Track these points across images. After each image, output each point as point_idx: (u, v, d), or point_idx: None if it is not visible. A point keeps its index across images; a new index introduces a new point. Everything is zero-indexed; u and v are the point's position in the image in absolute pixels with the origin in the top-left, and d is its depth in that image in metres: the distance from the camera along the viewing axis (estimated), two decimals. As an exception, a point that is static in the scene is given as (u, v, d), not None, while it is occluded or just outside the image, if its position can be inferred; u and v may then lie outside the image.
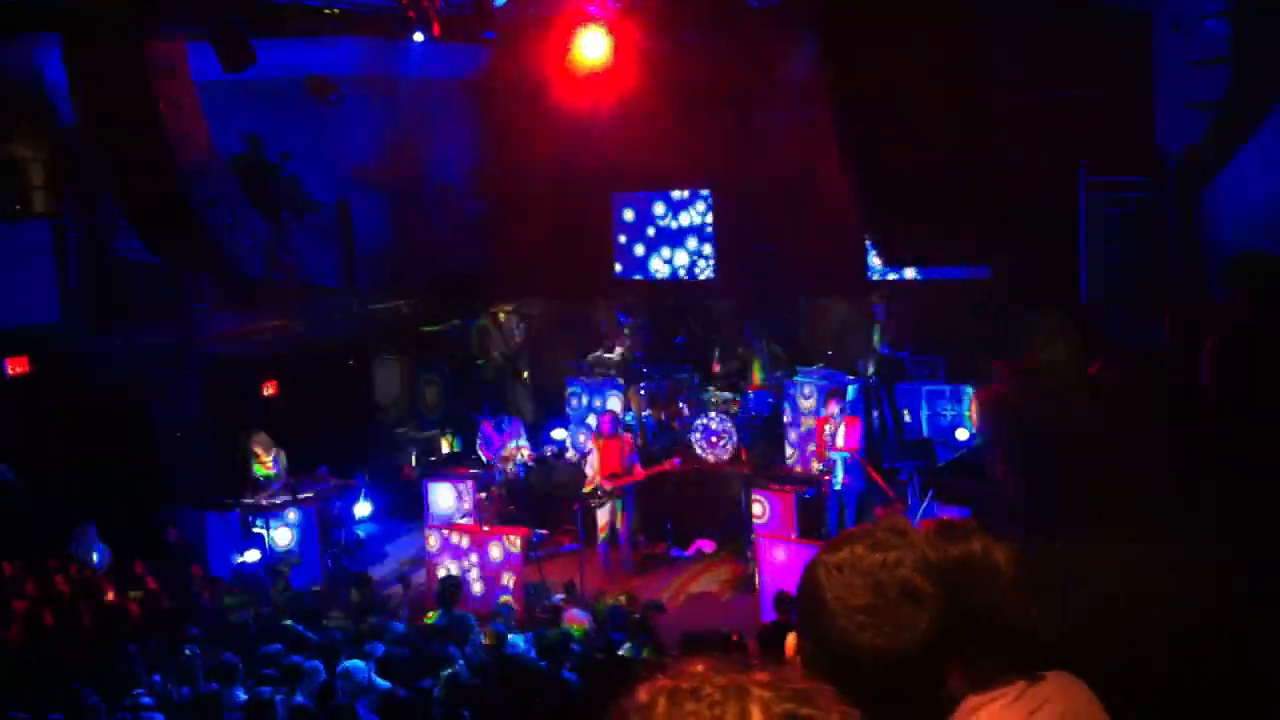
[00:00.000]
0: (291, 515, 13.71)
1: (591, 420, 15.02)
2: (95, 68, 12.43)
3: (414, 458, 16.41)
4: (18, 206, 14.00)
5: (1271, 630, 3.23)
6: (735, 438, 14.57)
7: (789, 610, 9.67)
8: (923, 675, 1.93)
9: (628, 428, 14.30)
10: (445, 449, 16.61)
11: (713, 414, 14.71)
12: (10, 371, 13.47)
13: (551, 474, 14.92)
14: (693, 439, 14.79)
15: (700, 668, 1.61)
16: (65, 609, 10.15)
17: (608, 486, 13.35)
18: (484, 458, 14.31)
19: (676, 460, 13.98)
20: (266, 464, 13.94)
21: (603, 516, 13.48)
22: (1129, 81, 11.53)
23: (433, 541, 13.18)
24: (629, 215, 18.91)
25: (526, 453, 14.49)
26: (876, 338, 15.85)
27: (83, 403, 13.58)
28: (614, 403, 15.24)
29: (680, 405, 15.52)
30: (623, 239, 18.95)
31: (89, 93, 12.63)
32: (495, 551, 12.64)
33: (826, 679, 1.91)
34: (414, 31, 15.46)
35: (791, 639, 2.02)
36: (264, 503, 13.71)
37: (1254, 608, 3.26)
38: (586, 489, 13.56)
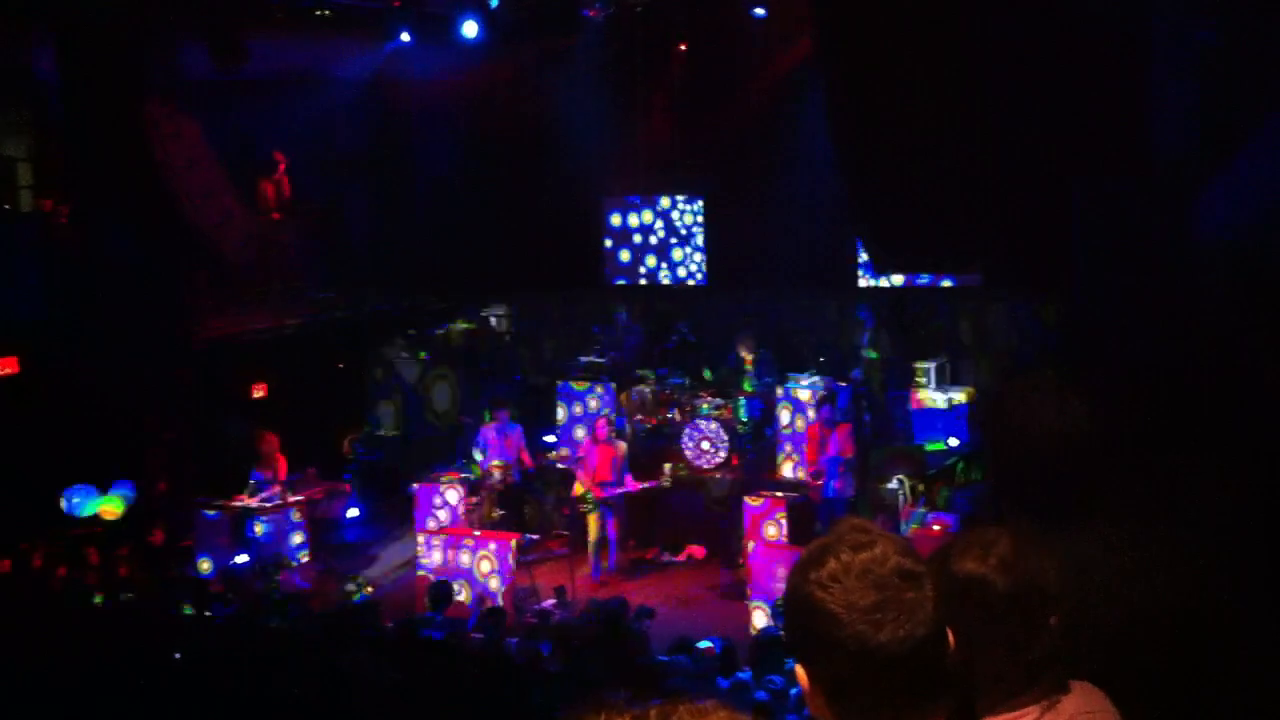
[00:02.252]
0: (282, 517, 13.65)
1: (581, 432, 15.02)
2: (86, 66, 12.40)
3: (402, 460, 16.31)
4: (5, 205, 13.91)
5: (1271, 630, 3.21)
6: (726, 444, 14.50)
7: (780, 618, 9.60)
8: (939, 650, 1.99)
9: (620, 434, 14.23)
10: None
11: (703, 420, 14.64)
12: (-2, 371, 13.38)
13: (547, 481, 14.85)
14: (683, 445, 14.72)
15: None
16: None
17: (598, 494, 13.31)
18: (480, 459, 14.23)
19: (667, 468, 13.94)
20: (271, 465, 13.84)
21: (594, 522, 13.42)
22: (1123, 86, 11.51)
23: (421, 545, 13.11)
24: (618, 219, 18.88)
25: (525, 459, 14.44)
26: (867, 344, 15.83)
27: (70, 402, 13.48)
28: (605, 408, 15.15)
29: (671, 411, 15.44)
30: (610, 243, 18.94)
31: (80, 90, 12.60)
32: (485, 555, 12.58)
33: (853, 694, 1.97)
34: (403, 31, 15.48)
35: (801, 674, 2.03)
36: (254, 505, 13.62)
37: (1252, 605, 3.24)
38: (576, 494, 13.50)
